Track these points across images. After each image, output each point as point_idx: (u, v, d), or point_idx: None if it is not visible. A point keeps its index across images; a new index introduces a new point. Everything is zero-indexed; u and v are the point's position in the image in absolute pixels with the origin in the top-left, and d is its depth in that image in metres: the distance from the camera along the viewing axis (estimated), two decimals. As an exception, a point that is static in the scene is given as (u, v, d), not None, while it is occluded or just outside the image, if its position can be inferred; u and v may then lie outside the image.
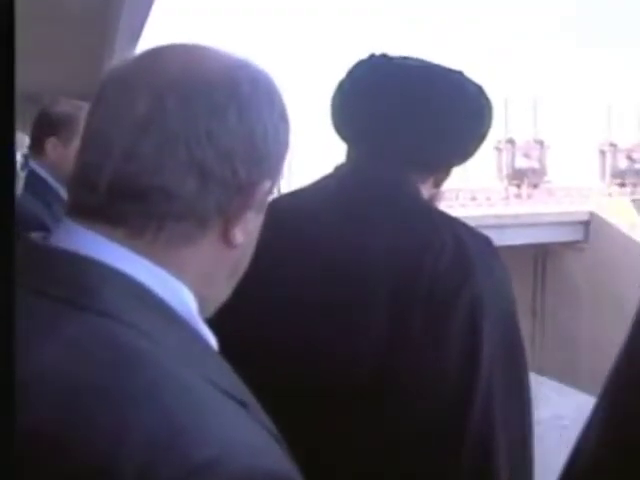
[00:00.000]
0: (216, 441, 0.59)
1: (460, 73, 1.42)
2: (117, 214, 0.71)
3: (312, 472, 1.26)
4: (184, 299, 0.73)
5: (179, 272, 0.73)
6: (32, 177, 2.46)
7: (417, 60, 1.42)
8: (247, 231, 0.77)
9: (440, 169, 1.47)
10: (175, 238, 0.72)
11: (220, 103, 0.72)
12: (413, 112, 1.37)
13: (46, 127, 2.50)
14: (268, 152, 0.76)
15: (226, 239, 0.75)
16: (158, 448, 0.57)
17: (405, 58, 1.42)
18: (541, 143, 39.88)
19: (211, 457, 0.58)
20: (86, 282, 0.68)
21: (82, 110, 2.43)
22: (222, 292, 0.82)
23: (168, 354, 0.66)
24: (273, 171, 0.78)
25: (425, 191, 1.44)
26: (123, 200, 0.71)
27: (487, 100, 1.45)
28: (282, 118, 0.79)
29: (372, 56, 1.43)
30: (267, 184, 0.77)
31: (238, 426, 0.63)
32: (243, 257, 0.82)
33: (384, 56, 1.42)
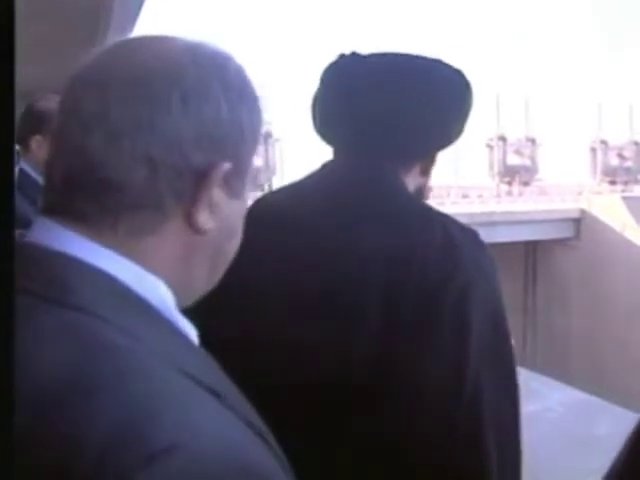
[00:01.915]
0: (179, 428, 0.59)
1: (429, 59, 1.42)
2: (76, 210, 0.72)
3: (308, 471, 1.27)
4: (160, 293, 0.74)
5: (150, 263, 0.73)
6: (19, 174, 2.45)
7: (386, 53, 1.43)
8: (219, 216, 0.77)
9: (423, 154, 1.48)
10: (135, 229, 0.72)
11: (161, 92, 0.72)
12: (387, 102, 1.38)
13: (30, 124, 2.49)
14: (223, 134, 0.75)
15: (191, 224, 0.75)
16: (119, 434, 0.57)
17: (374, 53, 1.43)
18: (533, 140, 39.97)
19: (172, 443, 0.57)
20: (60, 277, 0.68)
21: None
22: (204, 281, 0.82)
23: (143, 348, 0.66)
24: (232, 152, 0.77)
25: (412, 180, 1.45)
26: (78, 195, 0.72)
27: (463, 80, 1.45)
28: (242, 98, 0.78)
29: (341, 56, 1.44)
30: (226, 165, 0.75)
31: (207, 416, 0.63)
32: (224, 244, 0.82)
33: (353, 54, 1.43)
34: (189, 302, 0.80)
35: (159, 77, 0.72)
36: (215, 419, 0.63)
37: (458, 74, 1.45)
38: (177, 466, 0.57)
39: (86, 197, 0.71)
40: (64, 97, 0.76)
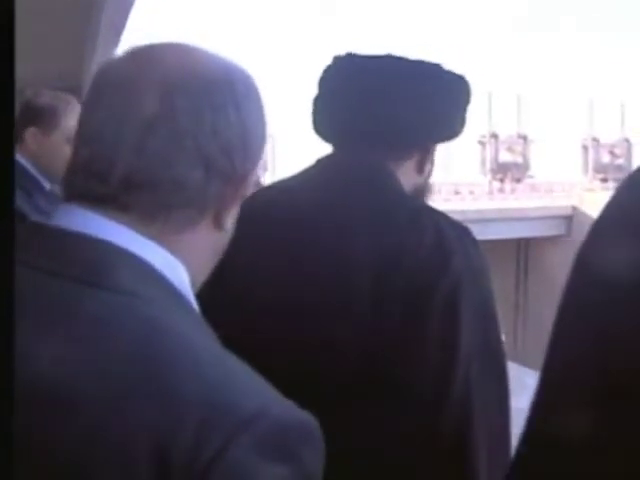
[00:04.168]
0: (257, 396, 0.70)
1: (426, 62, 1.44)
2: (128, 202, 0.77)
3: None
4: (182, 277, 0.80)
5: (183, 255, 0.80)
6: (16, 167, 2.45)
7: (380, 54, 1.45)
8: (234, 217, 0.86)
9: (417, 147, 1.48)
10: (181, 224, 0.79)
11: (221, 101, 0.79)
12: (381, 98, 1.40)
13: (26, 117, 2.50)
14: (256, 146, 0.83)
15: (217, 225, 0.83)
16: (210, 406, 0.66)
17: (369, 55, 1.45)
18: (525, 138, 40.01)
19: (258, 409, 0.68)
20: (101, 262, 0.74)
21: (63, 102, 2.42)
22: (207, 274, 0.89)
23: (181, 324, 0.74)
24: (258, 163, 0.85)
25: (409, 179, 1.45)
26: (134, 190, 0.77)
27: (450, 74, 1.46)
28: (264, 116, 0.86)
29: (337, 57, 1.46)
30: (254, 175, 0.84)
31: (263, 383, 0.72)
32: (226, 241, 0.89)
33: (348, 55, 1.45)
34: (195, 290, 0.86)
35: (220, 88, 0.79)
36: (266, 385, 0.73)
37: (446, 71, 1.46)
38: (267, 427, 0.68)
39: (143, 192, 0.77)
40: (104, 97, 0.80)
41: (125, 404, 0.66)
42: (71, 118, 2.38)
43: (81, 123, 0.82)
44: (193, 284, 0.83)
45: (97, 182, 0.77)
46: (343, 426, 1.28)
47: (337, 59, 1.46)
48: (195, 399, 0.67)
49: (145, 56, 0.81)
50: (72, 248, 0.75)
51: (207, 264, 0.88)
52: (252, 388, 0.71)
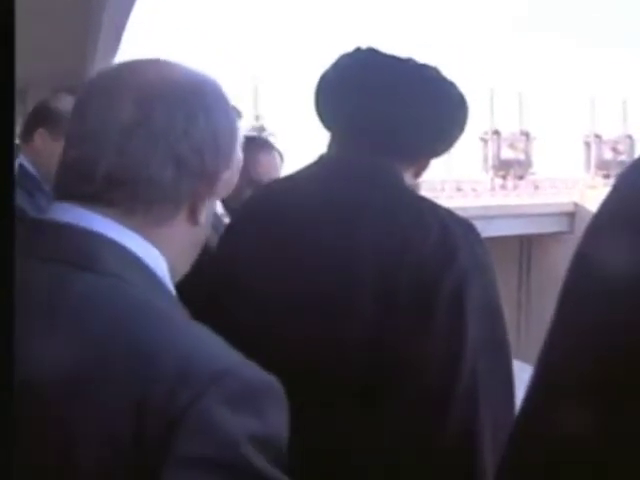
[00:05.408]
0: (222, 357, 0.80)
1: (435, 69, 1.44)
2: (111, 198, 0.87)
3: (307, 467, 1.26)
4: (161, 265, 0.90)
5: (161, 245, 0.90)
6: (18, 168, 2.45)
7: (398, 56, 1.44)
8: (208, 212, 0.95)
9: (421, 159, 1.49)
10: (159, 218, 0.89)
11: (192, 108, 0.89)
12: (396, 103, 1.39)
13: (39, 117, 2.50)
14: (227, 147, 0.93)
15: (192, 219, 0.92)
16: (183, 365, 0.77)
17: (388, 54, 1.44)
18: (527, 134, 40.03)
19: (225, 368, 0.79)
20: (90, 249, 0.85)
21: None
22: (185, 265, 0.98)
23: (159, 302, 0.86)
24: (230, 163, 0.94)
25: (407, 181, 1.46)
26: (116, 187, 0.87)
27: (462, 93, 1.48)
28: (233, 120, 0.96)
29: (358, 49, 1.44)
30: (227, 173, 0.94)
31: (231, 349, 0.82)
32: (203, 235, 0.98)
33: (369, 49, 1.44)
34: (174, 281, 0.95)
35: (191, 98, 0.90)
36: (235, 351, 0.82)
37: (456, 86, 1.46)
38: (236, 384, 0.78)
39: (123, 189, 0.87)
40: (91, 104, 0.91)
41: (108, 364, 0.77)
42: None
43: (70, 127, 0.93)
44: (172, 273, 0.93)
45: (84, 181, 0.87)
46: (344, 425, 1.28)
47: (360, 52, 1.44)
48: (170, 360, 0.77)
49: (127, 69, 0.92)
50: (65, 238, 0.86)
51: (185, 256, 0.97)
52: (223, 352, 0.81)
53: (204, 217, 0.94)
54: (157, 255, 0.90)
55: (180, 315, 0.86)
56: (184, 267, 0.98)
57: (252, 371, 0.80)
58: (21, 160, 2.47)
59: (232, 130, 0.95)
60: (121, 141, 0.86)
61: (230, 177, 0.95)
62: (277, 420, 0.80)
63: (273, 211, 1.41)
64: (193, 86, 0.91)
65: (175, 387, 0.75)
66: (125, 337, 0.79)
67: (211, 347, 0.81)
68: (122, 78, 0.90)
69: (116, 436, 0.75)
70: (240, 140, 0.97)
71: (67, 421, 0.76)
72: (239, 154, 0.97)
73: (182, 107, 0.89)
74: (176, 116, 0.88)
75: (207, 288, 1.17)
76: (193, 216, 0.92)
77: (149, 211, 0.88)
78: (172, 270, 0.93)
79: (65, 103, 2.51)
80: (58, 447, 0.77)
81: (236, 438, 0.75)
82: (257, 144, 2.63)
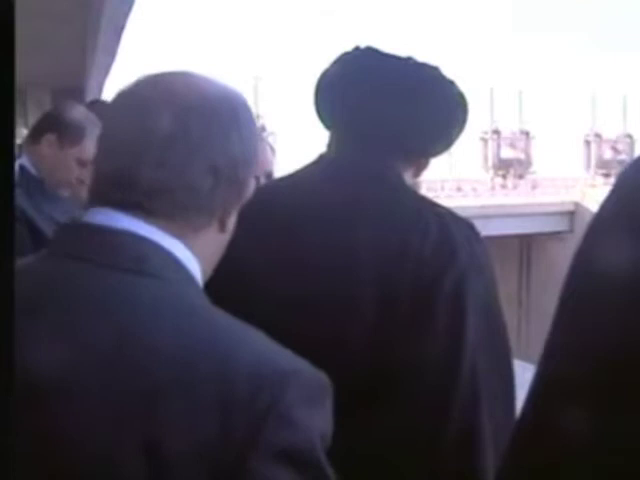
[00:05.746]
0: (285, 357, 0.89)
1: (436, 68, 1.44)
2: (151, 207, 0.92)
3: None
4: (196, 268, 0.96)
5: (194, 250, 0.95)
6: (20, 170, 2.45)
7: (398, 55, 1.44)
8: (234, 221, 1.01)
9: (420, 158, 1.49)
10: (196, 225, 0.95)
11: (227, 122, 0.95)
12: (396, 102, 1.39)
13: (49, 123, 2.50)
14: (253, 156, 0.99)
15: (222, 227, 0.98)
16: (255, 373, 0.84)
17: (390, 54, 1.44)
18: (527, 134, 40.00)
19: (292, 367, 0.87)
20: (141, 254, 0.91)
21: (91, 126, 2.42)
22: (212, 268, 1.03)
23: (203, 302, 0.93)
24: (255, 171, 1.02)
25: (407, 180, 1.45)
26: (156, 197, 0.92)
27: (462, 93, 1.48)
28: (256, 131, 1.03)
29: (357, 48, 1.44)
30: (252, 182, 1.00)
31: (282, 347, 0.90)
32: (227, 241, 1.04)
33: (369, 48, 1.44)
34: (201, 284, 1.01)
35: (226, 111, 0.96)
36: (286, 350, 0.89)
37: (457, 86, 1.46)
38: (303, 380, 0.86)
39: (164, 198, 0.92)
40: (124, 117, 0.96)
41: (191, 366, 0.84)
42: (91, 144, 2.38)
43: (102, 140, 0.98)
44: (202, 276, 0.99)
45: (125, 190, 0.92)
46: (345, 425, 1.28)
47: (359, 51, 1.44)
48: (243, 360, 0.85)
49: (158, 82, 0.97)
50: (117, 244, 0.91)
51: (213, 260, 1.02)
52: (284, 352, 0.89)
53: (231, 224, 1.01)
54: (193, 260, 0.95)
55: (225, 316, 0.92)
56: (210, 271, 1.03)
57: (309, 367, 0.88)
58: (23, 161, 2.47)
59: (256, 140, 1.02)
60: (161, 152, 0.91)
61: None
62: (331, 410, 0.90)
63: (272, 211, 1.41)
64: (225, 99, 0.97)
65: (253, 387, 0.83)
66: (199, 339, 0.86)
67: (270, 347, 0.90)
68: (157, 91, 0.95)
69: (204, 435, 0.81)
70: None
71: (150, 421, 0.82)
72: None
73: (217, 120, 0.94)
74: (212, 129, 0.93)
75: (207, 288, 1.17)
76: (223, 224, 0.99)
77: (187, 219, 0.94)
78: (202, 272, 0.99)
79: (77, 113, 2.51)
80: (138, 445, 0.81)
81: (313, 435, 0.86)
82: None
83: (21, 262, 0.91)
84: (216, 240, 1.00)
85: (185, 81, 0.97)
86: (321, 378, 0.89)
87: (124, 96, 0.98)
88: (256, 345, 0.89)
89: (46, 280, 0.91)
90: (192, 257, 0.95)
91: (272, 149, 2.76)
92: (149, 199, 0.92)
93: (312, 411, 0.86)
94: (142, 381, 0.82)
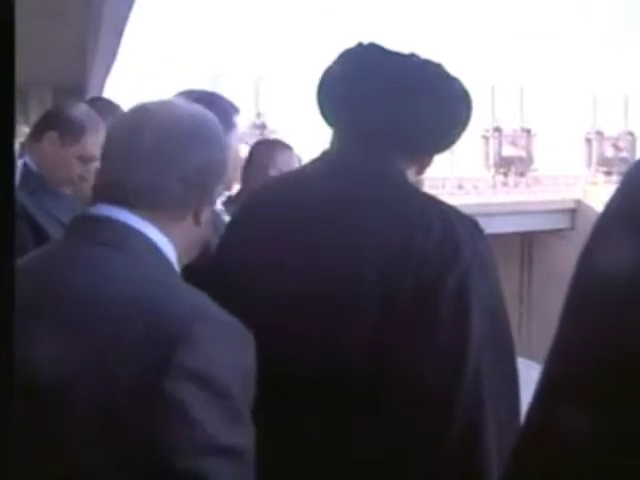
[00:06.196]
0: (217, 312, 1.11)
1: (440, 65, 1.43)
2: (137, 202, 1.18)
3: (305, 453, 1.26)
4: (171, 253, 1.21)
5: (170, 237, 1.20)
6: (23, 167, 2.46)
7: (402, 52, 1.44)
8: (206, 215, 1.25)
9: (424, 156, 1.49)
10: (172, 217, 1.20)
11: (196, 141, 1.22)
12: (399, 99, 1.39)
13: (52, 121, 2.50)
14: (220, 166, 1.27)
15: (197, 220, 1.23)
16: (184, 309, 1.09)
17: (393, 51, 1.43)
18: (528, 131, 39.99)
19: (210, 313, 1.10)
20: (124, 236, 1.16)
21: (93, 123, 2.42)
22: (188, 255, 1.27)
23: (170, 277, 1.19)
24: (223, 177, 1.32)
25: (409, 178, 1.45)
26: (141, 195, 1.18)
27: (466, 90, 1.47)
28: (225, 145, 1.29)
29: (360, 44, 1.44)
30: (220, 185, 1.31)
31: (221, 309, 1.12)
32: (202, 234, 1.28)
33: (372, 45, 1.43)
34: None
35: (195, 132, 1.22)
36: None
37: (461, 83, 1.45)
38: (221, 325, 1.09)
39: (146, 197, 1.18)
40: (116, 135, 1.25)
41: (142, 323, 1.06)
42: (92, 141, 2.38)
43: (103, 152, 1.26)
44: (178, 261, 1.23)
45: (117, 189, 1.19)
46: (346, 425, 1.28)
47: (362, 48, 1.43)
48: (173, 306, 1.09)
49: (145, 109, 1.24)
50: (104, 227, 1.18)
51: (189, 248, 1.27)
52: (215, 307, 1.11)
53: (204, 219, 1.24)
54: (169, 244, 1.20)
55: (183, 283, 1.18)
56: (187, 258, 1.27)
57: (240, 324, 1.09)
58: (25, 159, 2.48)
59: (224, 152, 1.28)
60: (142, 164, 1.18)
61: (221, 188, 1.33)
62: (253, 364, 1.10)
63: (274, 208, 1.41)
64: (196, 122, 1.23)
65: (174, 321, 1.07)
66: (151, 297, 1.11)
67: (211, 306, 1.10)
68: (142, 115, 1.22)
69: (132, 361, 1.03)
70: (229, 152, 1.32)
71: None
72: (230, 162, 1.28)
73: (187, 139, 1.20)
74: (183, 146, 1.20)
75: (207, 286, 1.17)
76: (197, 217, 1.23)
77: (165, 212, 1.19)
78: (179, 259, 1.23)
79: (78, 111, 2.51)
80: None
81: (224, 367, 1.06)
82: (274, 145, 3.01)
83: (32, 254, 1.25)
84: (191, 231, 1.24)
85: (166, 108, 1.25)
86: (245, 331, 1.09)
87: (121, 119, 1.30)
88: (196, 300, 1.12)
89: (56, 248, 1.26)
90: (168, 242, 1.20)
91: (298, 157, 3.00)
92: (134, 197, 1.18)
93: (229, 349, 1.07)
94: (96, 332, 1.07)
